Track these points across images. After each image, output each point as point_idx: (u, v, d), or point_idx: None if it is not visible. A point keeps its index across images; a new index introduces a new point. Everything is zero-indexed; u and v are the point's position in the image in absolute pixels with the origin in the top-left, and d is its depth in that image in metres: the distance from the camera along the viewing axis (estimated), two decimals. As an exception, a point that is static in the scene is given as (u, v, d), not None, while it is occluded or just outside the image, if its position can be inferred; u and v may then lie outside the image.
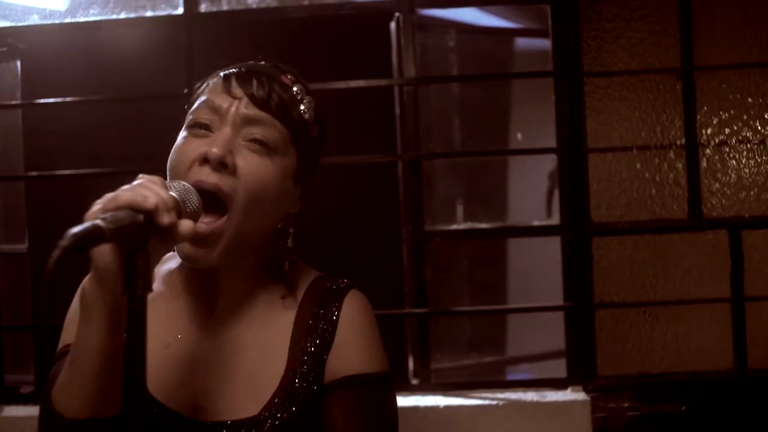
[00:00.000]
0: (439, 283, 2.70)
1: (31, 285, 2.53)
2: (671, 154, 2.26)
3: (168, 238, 0.96)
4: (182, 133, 1.10)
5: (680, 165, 2.25)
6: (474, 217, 2.72)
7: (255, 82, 1.08)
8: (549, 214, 2.93)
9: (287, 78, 1.11)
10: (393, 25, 2.41)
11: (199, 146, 1.06)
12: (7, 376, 2.44)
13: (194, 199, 1.01)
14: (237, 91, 1.08)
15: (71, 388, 1.00)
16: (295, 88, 1.11)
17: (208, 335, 1.13)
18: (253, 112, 1.07)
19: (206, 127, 1.08)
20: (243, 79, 1.08)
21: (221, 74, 1.11)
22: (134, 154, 2.46)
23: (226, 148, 1.05)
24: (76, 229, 0.86)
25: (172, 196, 0.97)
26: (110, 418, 1.00)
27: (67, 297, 2.53)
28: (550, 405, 2.19)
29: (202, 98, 1.10)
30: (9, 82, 2.50)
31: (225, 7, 2.30)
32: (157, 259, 0.99)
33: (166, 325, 1.12)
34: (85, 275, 0.99)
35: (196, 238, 1.04)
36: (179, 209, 0.97)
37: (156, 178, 0.99)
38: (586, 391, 2.23)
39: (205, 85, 1.13)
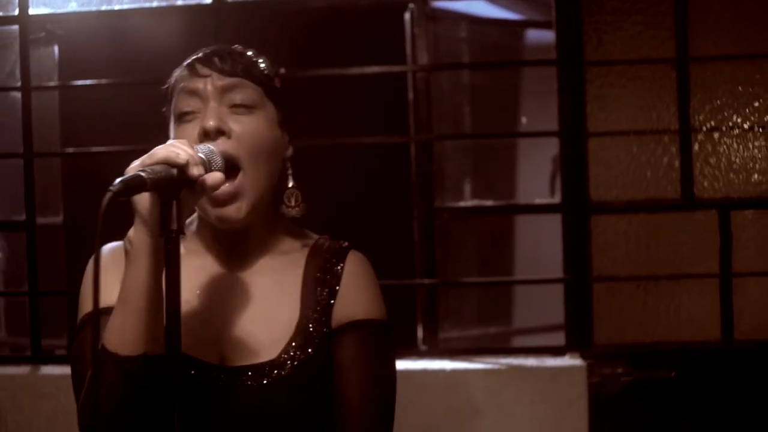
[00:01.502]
0: (451, 262, 2.85)
1: (66, 255, 2.71)
2: (666, 139, 2.42)
3: (198, 189, 1.11)
4: (173, 127, 1.23)
5: (674, 149, 2.41)
6: (483, 196, 2.88)
7: (216, 59, 1.21)
8: (552, 194, 3.09)
9: (239, 48, 1.26)
10: (407, 15, 2.57)
11: (193, 127, 1.20)
12: (42, 341, 2.61)
13: (218, 159, 1.15)
14: (204, 70, 1.21)
15: (124, 328, 1.11)
16: (249, 53, 1.25)
17: (225, 288, 1.25)
18: (226, 81, 1.20)
19: (192, 113, 1.21)
20: (204, 60, 1.22)
21: (184, 65, 1.24)
22: (160, 134, 2.63)
23: (218, 118, 1.19)
24: (123, 177, 1.02)
25: (199, 155, 1.13)
26: (160, 356, 1.10)
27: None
28: (549, 370, 2.36)
29: (178, 90, 1.22)
30: (47, 66, 2.67)
31: (252, -3, 2.47)
32: (189, 208, 1.14)
33: (186, 282, 1.18)
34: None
35: (224, 199, 1.19)
36: (206, 166, 1.13)
37: (184, 141, 1.13)
38: (583, 357, 2.39)
39: (173, 81, 1.25)
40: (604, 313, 2.43)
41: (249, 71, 1.23)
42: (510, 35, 3.41)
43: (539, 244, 3.36)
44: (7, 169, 2.94)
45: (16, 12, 2.52)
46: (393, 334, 1.28)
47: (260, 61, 1.26)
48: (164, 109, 1.28)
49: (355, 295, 1.25)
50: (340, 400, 1.21)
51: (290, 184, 1.29)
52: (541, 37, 3.50)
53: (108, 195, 0.98)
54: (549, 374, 2.35)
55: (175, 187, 1.08)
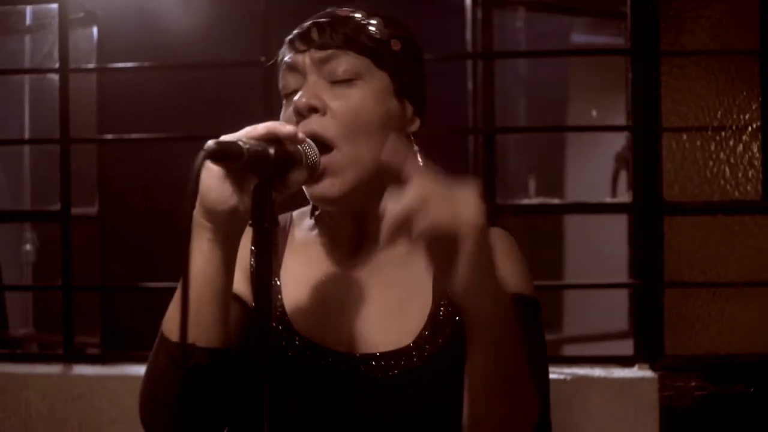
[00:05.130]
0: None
1: (101, 248, 2.57)
2: (746, 136, 2.26)
3: (288, 182, 1.00)
4: (284, 107, 1.14)
5: (755, 147, 2.25)
6: (536, 192, 2.74)
7: (315, 30, 1.09)
8: (614, 194, 2.94)
9: (345, 11, 1.12)
10: (468, 1, 2.42)
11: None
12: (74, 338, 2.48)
13: (314, 152, 1.03)
14: (300, 44, 1.10)
15: (175, 312, 1.03)
16: (357, 16, 1.11)
17: (350, 274, 1.15)
18: (322, 53, 1.08)
19: (294, 91, 1.10)
20: (303, 35, 1.10)
21: (286, 40, 1.14)
22: (202, 121, 2.49)
23: (312, 93, 1.07)
24: (219, 139, 0.91)
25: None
26: (213, 350, 1.02)
27: (139, 263, 2.55)
28: (618, 381, 2.20)
29: (281, 68, 1.13)
30: (85, 48, 2.53)
31: (304, -23, 2.32)
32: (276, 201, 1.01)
33: (306, 266, 1.14)
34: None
35: (317, 175, 1.07)
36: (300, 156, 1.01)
37: (282, 123, 1.02)
38: (653, 369, 2.23)
39: (279, 55, 1.16)
40: (676, 321, 2.26)
41: (351, 39, 1.09)
42: (561, 34, 3.27)
43: (587, 245, 3.22)
44: (38, 156, 2.81)
45: (56, -11, 2.38)
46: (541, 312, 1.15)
47: (371, 23, 1.11)
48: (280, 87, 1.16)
49: (504, 271, 1.05)
50: None
51: (419, 161, 1.13)
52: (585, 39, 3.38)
53: (201, 154, 0.86)
54: (618, 386, 2.19)
55: (269, 170, 0.95)
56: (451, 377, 1.07)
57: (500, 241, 1.14)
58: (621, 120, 2.33)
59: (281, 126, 0.98)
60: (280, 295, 1.14)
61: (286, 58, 1.12)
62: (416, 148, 1.14)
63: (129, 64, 2.39)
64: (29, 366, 2.39)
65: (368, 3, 2.45)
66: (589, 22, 3.29)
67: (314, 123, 1.06)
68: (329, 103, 1.08)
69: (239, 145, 0.91)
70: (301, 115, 1.07)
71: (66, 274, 2.41)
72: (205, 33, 2.52)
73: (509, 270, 1.10)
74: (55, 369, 2.38)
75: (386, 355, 1.09)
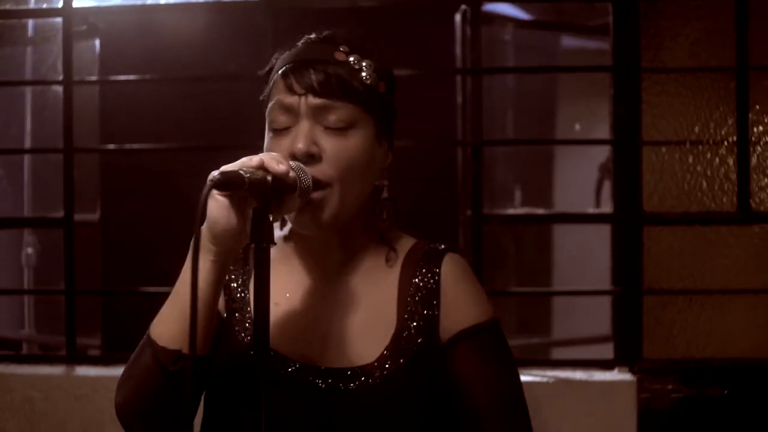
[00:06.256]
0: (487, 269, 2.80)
1: (102, 254, 2.66)
2: (723, 150, 2.36)
3: (284, 206, 1.08)
4: (268, 134, 1.20)
5: (731, 160, 2.35)
6: (523, 202, 2.83)
7: (311, 72, 1.14)
8: (598, 204, 3.03)
9: (341, 53, 1.16)
10: (458, 17, 2.51)
11: (285, 143, 1.16)
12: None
13: (307, 178, 1.12)
14: (298, 87, 1.14)
15: (167, 319, 1.12)
16: (351, 59, 1.16)
17: (316, 294, 1.22)
18: (319, 101, 1.14)
19: (284, 124, 1.17)
20: (300, 73, 1.15)
21: (280, 73, 1.17)
22: (201, 130, 2.58)
23: (309, 140, 1.14)
24: (224, 169, 1.00)
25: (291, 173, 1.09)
26: (197, 357, 1.10)
27: (139, 268, 2.63)
28: (598, 384, 2.30)
29: (273, 99, 1.18)
30: (87, 60, 2.62)
31: (302, -6, 2.41)
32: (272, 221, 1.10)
33: (276, 286, 1.18)
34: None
35: (307, 207, 1.15)
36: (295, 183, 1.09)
37: (276, 154, 1.10)
38: (632, 372, 2.33)
39: (272, 80, 1.20)
40: (655, 326, 2.37)
41: (346, 88, 1.15)
42: (550, 40, 3.37)
43: (575, 252, 3.32)
44: (42, 165, 2.90)
45: (60, 4, 2.46)
46: (500, 328, 1.26)
47: (363, 67, 1.18)
48: (261, 98, 1.23)
49: (459, 304, 1.22)
50: (472, 411, 1.19)
51: (384, 196, 1.23)
52: (576, 44, 3.47)
53: (208, 185, 0.96)
54: (598, 388, 2.29)
55: (267, 195, 1.05)
56: (411, 394, 1.17)
57: (450, 270, 1.23)
58: (608, 128, 2.42)
59: (275, 164, 1.05)
60: (249, 307, 1.21)
61: (281, 98, 1.16)
62: (386, 182, 1.23)
63: (131, 77, 2.48)
64: (33, 367, 2.48)
65: (360, 20, 2.54)
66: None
67: (311, 169, 1.14)
68: (324, 147, 1.15)
69: (240, 174, 1.01)
70: (297, 159, 1.14)
71: (69, 279, 2.49)
72: (205, 45, 2.60)
73: (459, 306, 1.21)
74: (58, 370, 2.46)
75: (348, 370, 1.16)
